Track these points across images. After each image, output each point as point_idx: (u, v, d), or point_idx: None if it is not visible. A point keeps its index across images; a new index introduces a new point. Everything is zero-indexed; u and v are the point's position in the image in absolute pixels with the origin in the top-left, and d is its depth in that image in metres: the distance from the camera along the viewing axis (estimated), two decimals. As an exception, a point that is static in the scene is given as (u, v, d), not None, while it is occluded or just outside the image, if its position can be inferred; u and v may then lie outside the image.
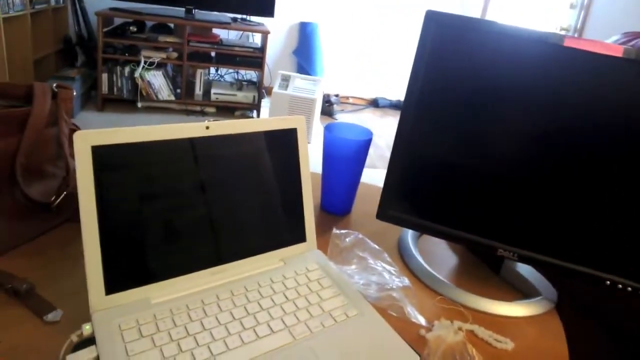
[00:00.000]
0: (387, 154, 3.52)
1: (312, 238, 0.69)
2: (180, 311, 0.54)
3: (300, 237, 0.68)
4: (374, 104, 4.81)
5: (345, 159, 0.85)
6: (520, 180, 0.66)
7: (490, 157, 0.67)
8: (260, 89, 3.77)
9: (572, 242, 0.66)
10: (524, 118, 0.64)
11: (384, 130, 4.07)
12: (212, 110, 3.85)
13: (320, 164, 0.88)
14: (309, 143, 0.76)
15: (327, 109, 4.24)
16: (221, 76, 4.12)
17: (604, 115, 0.61)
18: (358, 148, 0.84)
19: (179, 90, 3.68)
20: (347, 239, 0.74)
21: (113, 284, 0.54)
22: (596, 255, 0.65)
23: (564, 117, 0.63)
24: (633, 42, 0.98)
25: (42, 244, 0.69)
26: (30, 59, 3.25)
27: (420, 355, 0.54)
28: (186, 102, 3.72)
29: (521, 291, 0.73)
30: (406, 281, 0.68)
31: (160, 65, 3.55)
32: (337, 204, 0.89)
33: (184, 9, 3.60)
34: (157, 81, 3.53)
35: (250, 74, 4.10)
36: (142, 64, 3.47)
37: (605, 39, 1.13)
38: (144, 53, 3.50)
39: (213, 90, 3.73)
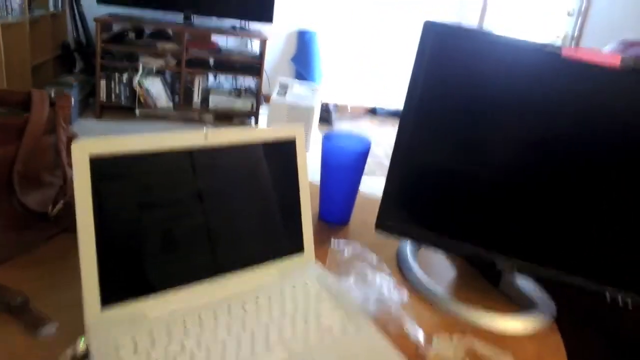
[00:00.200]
0: (385, 162, 3.53)
1: (311, 249, 0.68)
2: (177, 326, 0.54)
3: (299, 248, 0.68)
4: (372, 112, 4.82)
5: (343, 168, 0.84)
6: (519, 189, 0.66)
7: (488, 167, 0.67)
8: (259, 96, 3.78)
9: (572, 255, 0.66)
10: (523, 127, 0.64)
11: (382, 139, 4.07)
12: (210, 117, 3.85)
13: (318, 172, 0.87)
14: (307, 151, 0.76)
15: (326, 116, 4.24)
16: (219, 83, 4.12)
17: (602, 124, 0.61)
18: (356, 157, 0.83)
19: (177, 98, 3.68)
20: (346, 251, 0.74)
21: (109, 297, 0.53)
22: (596, 268, 0.65)
23: (563, 126, 0.63)
24: (629, 51, 0.99)
25: (39, 254, 0.68)
26: (29, 65, 3.25)
27: (419, 371, 0.53)
28: (184, 109, 3.72)
29: (520, 304, 0.73)
30: (405, 296, 0.67)
31: (158, 72, 3.56)
32: (335, 214, 0.89)
33: (182, 16, 3.61)
34: (156, 88, 3.53)
35: (248, 81, 4.11)
36: (140, 71, 3.47)
37: (603, 46, 1.14)
38: (143, 60, 3.51)
39: (211, 98, 3.73)
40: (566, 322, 0.70)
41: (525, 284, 0.75)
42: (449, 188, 0.69)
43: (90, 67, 3.65)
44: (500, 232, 0.68)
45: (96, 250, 0.52)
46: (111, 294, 0.53)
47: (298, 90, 3.51)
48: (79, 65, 3.90)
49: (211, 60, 3.74)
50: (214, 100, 3.73)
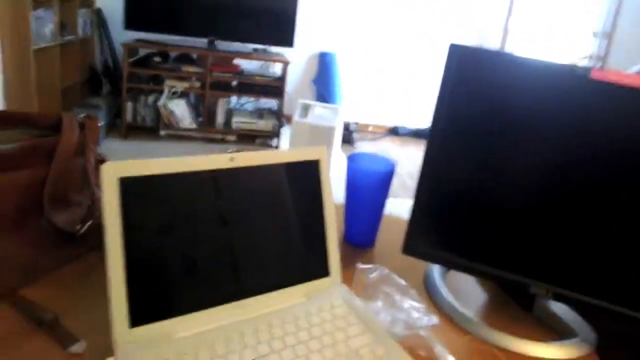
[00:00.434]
0: (409, 182, 3.50)
1: (337, 272, 0.67)
2: (204, 346, 0.53)
3: (325, 271, 0.67)
4: (394, 132, 4.81)
5: (368, 189, 0.84)
6: (553, 213, 0.64)
7: (519, 190, 0.65)
8: (280, 117, 3.82)
9: (612, 281, 0.63)
10: (553, 150, 0.63)
11: (404, 159, 4.06)
12: (232, 138, 3.90)
13: (341, 193, 0.87)
14: (329, 173, 0.75)
15: (347, 137, 4.25)
16: (242, 105, 4.18)
17: (634, 146, 0.59)
18: (382, 179, 0.83)
19: (200, 119, 3.74)
20: (372, 275, 0.73)
21: (137, 317, 0.53)
22: (638, 295, 0.62)
23: (595, 148, 0.61)
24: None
25: (66, 273, 0.69)
26: (59, 88, 3.36)
27: (452, 399, 0.51)
28: (208, 130, 3.77)
29: (556, 331, 0.70)
30: (434, 319, 0.65)
31: (183, 95, 3.63)
32: (361, 236, 0.88)
33: (206, 40, 3.69)
34: (180, 110, 3.60)
35: (270, 103, 4.16)
36: (165, 93, 3.54)
37: (630, 67, 1.12)
38: (168, 82, 3.59)
39: (234, 119, 3.78)
40: (606, 351, 0.67)
41: (561, 310, 0.72)
42: (479, 211, 0.68)
43: (117, 90, 3.75)
44: (535, 259, 0.66)
45: (124, 271, 0.52)
46: (139, 314, 0.53)
47: (319, 111, 3.53)
48: (106, 88, 4.01)
49: (234, 83, 3.81)
50: (237, 121, 3.78)
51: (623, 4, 3.76)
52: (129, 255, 0.52)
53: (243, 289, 0.60)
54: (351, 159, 0.86)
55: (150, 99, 3.58)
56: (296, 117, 3.43)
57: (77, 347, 0.55)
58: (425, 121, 4.74)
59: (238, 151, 0.62)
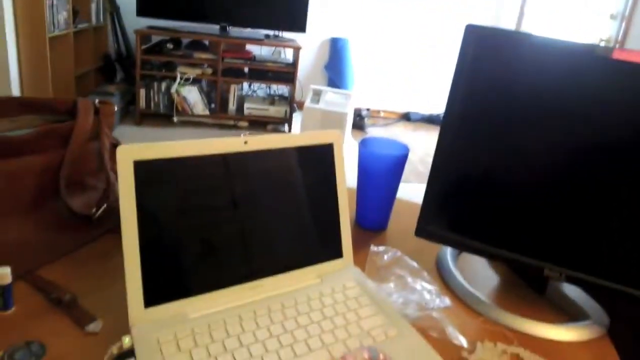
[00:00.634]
0: (420, 168, 3.48)
1: (349, 254, 0.68)
2: (218, 326, 0.54)
3: (337, 253, 0.67)
4: (406, 117, 4.78)
5: (381, 174, 0.83)
6: (569, 195, 0.64)
7: (534, 172, 0.65)
8: (292, 103, 3.81)
9: (625, 263, 0.63)
10: (571, 132, 0.62)
11: (416, 144, 4.03)
12: (245, 124, 3.91)
13: (352, 178, 0.87)
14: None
15: (359, 123, 4.24)
16: (254, 91, 4.18)
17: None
18: (394, 163, 0.82)
19: (213, 105, 3.75)
20: (385, 256, 0.73)
21: (152, 297, 0.54)
22: (650, 277, 0.62)
23: (614, 130, 0.60)
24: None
25: (83, 255, 0.70)
26: (72, 75, 3.39)
27: (463, 379, 0.52)
28: (220, 116, 3.79)
29: (568, 314, 0.70)
30: (447, 301, 0.66)
31: (195, 81, 3.64)
32: (373, 220, 0.88)
33: (218, 27, 3.68)
34: (193, 96, 3.62)
35: (282, 89, 4.15)
36: (178, 79, 3.56)
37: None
38: (180, 69, 3.60)
39: (246, 105, 3.78)
40: (623, 341, 0.66)
41: (574, 292, 0.72)
42: (492, 194, 0.68)
43: (131, 77, 3.77)
44: (548, 241, 0.66)
45: (140, 252, 0.53)
46: (154, 294, 0.54)
47: (331, 97, 3.52)
48: (119, 75, 4.03)
49: (246, 69, 3.80)
50: (249, 108, 3.78)
51: (643, -15, 3.66)
52: (143, 237, 0.53)
53: (256, 270, 0.60)
54: (363, 143, 0.86)
55: (164, 85, 3.59)
56: (308, 103, 3.42)
57: (94, 326, 0.56)
58: (437, 107, 4.69)
59: (251, 135, 0.62)
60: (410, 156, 3.71)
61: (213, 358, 0.50)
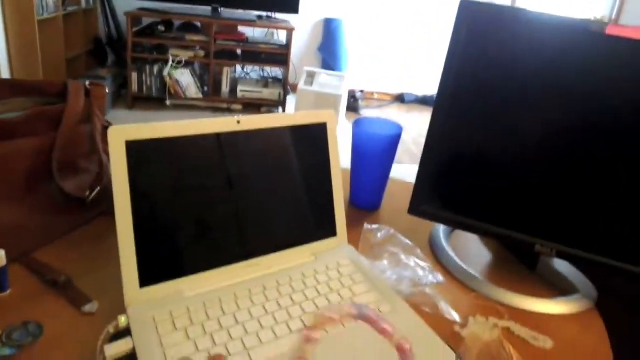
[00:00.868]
0: (413, 148, 3.49)
1: (343, 232, 0.68)
2: (213, 304, 0.55)
3: (331, 232, 0.68)
4: (400, 99, 4.76)
5: (374, 153, 0.84)
6: (559, 173, 0.64)
7: (526, 150, 0.65)
8: (286, 85, 3.78)
9: (614, 238, 0.63)
10: (563, 108, 0.62)
11: (410, 126, 4.03)
12: (238, 107, 3.88)
13: (346, 160, 0.87)
14: None
15: (353, 104, 4.22)
16: (247, 74, 4.15)
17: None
18: (388, 142, 0.83)
19: (206, 88, 3.72)
20: (379, 234, 0.73)
21: (147, 277, 0.54)
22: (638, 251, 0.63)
23: (607, 108, 0.60)
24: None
25: (77, 237, 0.70)
26: (63, 59, 3.34)
27: (456, 353, 0.53)
28: (213, 99, 3.76)
29: (559, 289, 0.71)
30: (440, 277, 0.67)
31: (188, 64, 3.60)
32: (366, 199, 0.88)
33: (210, 8, 3.63)
34: (185, 79, 3.58)
35: (275, 71, 4.12)
36: (170, 62, 3.52)
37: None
38: (172, 52, 3.56)
39: (239, 88, 3.75)
40: (611, 314, 0.68)
41: (564, 268, 0.73)
42: (485, 172, 0.68)
43: (122, 60, 3.73)
44: (539, 218, 0.67)
45: (134, 232, 0.53)
46: (149, 274, 0.54)
47: (325, 79, 3.49)
48: (110, 58, 3.98)
49: (239, 51, 3.76)
50: (242, 90, 3.76)
51: (638, -38, 3.63)
52: (137, 217, 0.53)
53: (251, 249, 0.61)
54: (357, 123, 0.85)
55: (156, 68, 3.55)
56: (301, 85, 3.40)
57: (90, 307, 0.57)
58: (431, 88, 4.67)
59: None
60: (403, 137, 3.70)
61: (209, 335, 0.51)
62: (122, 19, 3.67)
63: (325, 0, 4.34)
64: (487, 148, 0.67)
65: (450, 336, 0.58)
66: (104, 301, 0.58)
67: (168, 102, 3.65)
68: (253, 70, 4.16)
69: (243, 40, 3.71)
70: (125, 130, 0.53)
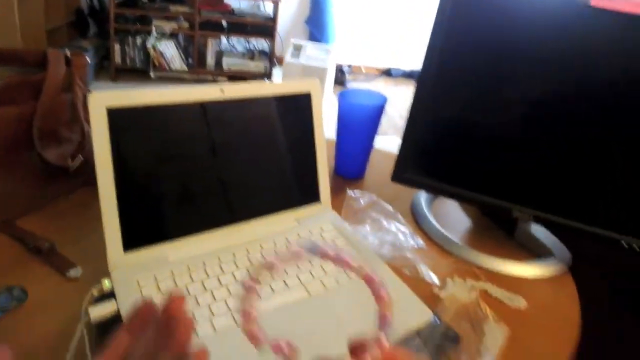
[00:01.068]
0: (399, 122, 3.49)
1: (327, 199, 0.69)
2: (197, 268, 0.56)
3: (315, 198, 0.68)
4: (387, 73, 4.74)
5: (359, 123, 0.84)
6: (536, 141, 0.65)
7: (506, 119, 0.66)
8: (272, 58, 3.74)
9: (588, 204, 0.65)
10: (543, 79, 0.63)
11: (396, 99, 4.02)
12: (224, 80, 3.83)
13: (333, 132, 0.87)
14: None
15: (340, 78, 4.19)
16: (233, 46, 4.08)
17: (628, 76, 0.59)
18: (372, 113, 0.83)
19: (191, 60, 3.66)
20: (362, 200, 0.75)
21: (131, 242, 0.55)
22: (612, 217, 0.65)
23: (587, 78, 0.61)
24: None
25: (61, 206, 0.70)
26: (43, 30, 3.25)
27: (434, 312, 0.54)
28: (198, 71, 3.71)
29: (535, 253, 0.73)
30: (420, 241, 0.68)
31: (172, 35, 3.53)
32: (350, 169, 0.89)
33: (194, -23, 3.54)
34: (169, 51, 3.52)
35: (261, 44, 4.06)
36: (153, 34, 3.45)
37: None
38: (156, 23, 3.48)
39: (225, 60, 3.70)
40: (584, 278, 0.70)
41: (541, 233, 0.75)
42: (466, 140, 0.69)
43: (104, 31, 3.64)
44: (517, 185, 0.68)
45: (116, 197, 0.53)
46: (133, 238, 0.55)
47: (312, 52, 3.46)
48: (92, 29, 3.88)
49: (224, 23, 3.69)
50: (228, 63, 3.70)
51: None
52: (119, 182, 0.53)
53: (235, 214, 0.61)
54: (342, 94, 0.85)
55: (139, 40, 3.48)
56: (288, 58, 3.37)
57: (74, 272, 0.57)
58: (418, 63, 4.64)
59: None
60: (389, 110, 3.70)
61: (193, 297, 0.52)
62: (104, -11, 3.57)
63: (312, -30, 4.25)
64: (467, 118, 0.68)
65: (429, 297, 0.60)
66: (89, 267, 0.58)
67: (152, 75, 3.59)
68: (239, 43, 4.09)
69: (228, 11, 3.64)
70: (106, 97, 0.53)
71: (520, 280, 0.67)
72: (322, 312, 0.52)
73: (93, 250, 0.60)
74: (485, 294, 0.63)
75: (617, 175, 0.62)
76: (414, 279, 0.62)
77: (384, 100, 0.85)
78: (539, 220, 0.68)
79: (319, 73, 3.33)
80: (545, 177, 0.66)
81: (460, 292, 0.60)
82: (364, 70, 4.73)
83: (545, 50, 0.62)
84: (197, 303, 0.51)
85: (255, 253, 0.59)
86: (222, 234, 0.60)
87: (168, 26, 3.48)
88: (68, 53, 0.77)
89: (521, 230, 0.76)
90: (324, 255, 0.27)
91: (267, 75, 3.77)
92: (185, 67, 3.61)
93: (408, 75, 4.68)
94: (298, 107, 0.67)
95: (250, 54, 3.84)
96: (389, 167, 0.73)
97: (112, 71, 3.53)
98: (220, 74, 3.76)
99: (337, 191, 0.82)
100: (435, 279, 0.63)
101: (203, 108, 0.59)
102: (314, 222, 0.66)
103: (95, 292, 0.51)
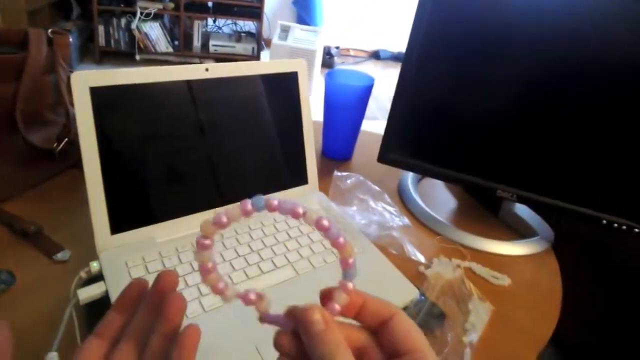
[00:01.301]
0: (387, 105, 3.49)
1: (314, 180, 0.70)
2: (185, 249, 0.56)
3: (302, 180, 0.69)
4: (375, 56, 4.71)
5: (347, 104, 0.84)
6: (520, 121, 0.66)
7: (491, 100, 0.67)
8: (259, 40, 3.70)
9: (570, 183, 0.66)
10: (524, 61, 0.63)
11: (385, 82, 4.01)
12: (211, 62, 3.79)
13: (321, 115, 0.87)
14: (309, 94, 0.74)
15: (328, 61, 4.16)
16: (219, 28, 4.03)
17: (606, 55, 0.60)
18: (359, 93, 0.83)
19: (176, 42, 3.61)
20: (349, 181, 0.75)
21: (118, 224, 0.55)
22: (593, 195, 0.66)
23: (566, 59, 0.61)
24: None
25: (47, 189, 0.69)
26: (24, 11, 3.17)
27: (419, 290, 0.55)
28: (184, 54, 3.66)
29: (519, 232, 0.75)
30: (406, 220, 0.69)
31: (157, 17, 3.47)
32: (338, 150, 0.89)
33: (179, -43, 3.47)
34: (155, 33, 3.46)
35: (248, 25, 4.01)
36: (138, 15, 3.39)
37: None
38: (140, 4, 3.41)
39: (211, 42, 3.65)
40: (566, 255, 0.71)
41: (525, 212, 0.76)
42: (450, 121, 0.69)
43: (87, 13, 3.56)
44: (501, 165, 0.69)
45: (102, 179, 0.53)
46: (120, 220, 0.55)
47: (299, 34, 3.42)
48: (75, 10, 3.79)
49: (210, 4, 3.63)
50: (214, 45, 3.66)
51: None
52: (105, 164, 0.53)
53: (223, 195, 0.61)
54: (329, 75, 0.85)
55: (123, 21, 3.42)
56: (275, 40, 3.33)
57: (62, 255, 0.57)
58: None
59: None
60: (378, 93, 3.69)
61: (182, 278, 0.52)
62: (86, -32, 3.48)
63: (299, -50, 4.18)
64: (451, 99, 0.68)
65: (415, 276, 0.61)
66: (77, 250, 0.58)
67: (138, 57, 3.54)
68: (225, 24, 4.04)
69: (214, -9, 3.58)
70: (89, 76, 0.52)
71: (505, 259, 0.68)
72: (310, 291, 0.53)
73: (81, 232, 0.60)
74: (470, 272, 0.64)
75: (598, 155, 0.64)
76: (401, 258, 0.63)
77: (371, 81, 0.85)
78: (522, 200, 0.69)
79: (307, 55, 3.30)
80: (528, 157, 0.67)
81: (445, 270, 0.61)
82: (352, 53, 4.70)
83: (526, 32, 0.62)
84: (186, 283, 0.51)
85: (243, 234, 0.59)
86: (210, 215, 0.60)
87: (153, 7, 3.42)
88: (50, 32, 0.76)
89: (505, 209, 0.77)
90: (269, 208, 0.26)
91: (255, 57, 3.74)
92: (171, 49, 3.56)
93: (396, 57, 4.66)
94: (284, 87, 0.66)
95: (237, 36, 3.80)
96: (377, 149, 0.74)
97: (97, 54, 3.47)
98: (207, 56, 3.71)
99: (325, 173, 0.82)
100: (421, 257, 0.64)
101: (188, 87, 0.58)
102: (302, 202, 0.66)
103: (83, 274, 0.51)
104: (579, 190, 0.66)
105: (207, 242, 0.28)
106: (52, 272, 0.55)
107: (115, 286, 0.49)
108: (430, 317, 0.53)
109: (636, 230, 0.64)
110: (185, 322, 0.29)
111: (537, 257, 0.70)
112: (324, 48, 4.03)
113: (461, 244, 0.69)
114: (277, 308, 0.29)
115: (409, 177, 0.83)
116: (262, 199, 0.26)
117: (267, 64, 0.65)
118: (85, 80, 0.52)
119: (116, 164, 0.54)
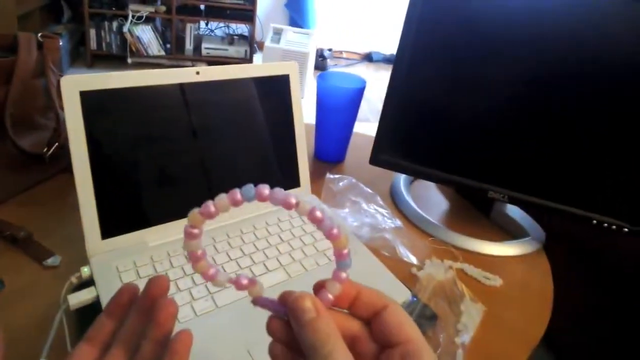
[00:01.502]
0: (380, 107, 3.50)
1: (306, 182, 0.70)
2: (177, 253, 0.56)
3: (295, 182, 0.69)
4: (368, 58, 4.73)
5: (338, 106, 0.84)
6: (510, 123, 0.66)
7: (482, 101, 0.67)
8: (252, 43, 3.70)
9: (560, 184, 0.67)
10: (516, 63, 0.63)
11: (377, 84, 4.02)
12: (203, 65, 3.78)
13: (314, 117, 0.87)
14: (302, 98, 0.74)
15: (321, 63, 4.17)
16: (212, 31, 4.02)
17: (597, 57, 0.60)
18: (351, 95, 0.83)
19: (168, 46, 3.60)
20: (341, 183, 0.75)
21: (109, 229, 0.54)
22: (583, 195, 0.66)
23: (558, 60, 0.62)
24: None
25: (37, 194, 0.69)
26: (14, 15, 3.15)
27: (411, 291, 0.55)
28: (177, 57, 3.65)
29: (510, 233, 0.75)
30: (398, 222, 0.69)
31: (149, 20, 3.46)
32: (330, 152, 0.89)
33: (170, -40, 3.47)
34: (147, 36, 3.45)
35: (241, 28, 4.01)
36: (130, 18, 3.38)
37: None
38: (132, 7, 3.40)
39: (204, 45, 3.65)
40: (557, 255, 0.72)
41: (516, 213, 0.77)
42: (441, 123, 0.70)
43: (79, 16, 3.55)
44: (492, 166, 0.69)
45: (93, 184, 0.53)
46: (111, 225, 0.54)
47: (292, 37, 3.43)
48: (66, 14, 3.78)
49: (202, 7, 3.63)
50: (207, 48, 3.65)
51: None
52: (96, 168, 0.53)
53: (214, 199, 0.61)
54: (321, 77, 0.85)
55: (115, 25, 3.40)
56: (268, 43, 3.33)
57: (52, 260, 0.57)
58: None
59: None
60: (370, 95, 3.70)
61: (173, 283, 0.52)
62: (77, -28, 3.47)
63: (291, -47, 4.19)
64: (444, 99, 0.68)
65: (408, 277, 0.61)
66: (67, 255, 0.58)
67: (129, 60, 3.53)
68: (218, 27, 4.03)
69: (206, -6, 3.58)
70: (79, 80, 0.52)
71: (496, 259, 0.68)
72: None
73: (72, 237, 0.59)
74: (462, 273, 0.64)
75: (588, 156, 0.64)
76: (393, 260, 0.63)
77: (363, 83, 0.85)
78: (513, 201, 0.70)
79: (300, 57, 3.31)
80: (519, 158, 0.68)
81: (437, 271, 0.61)
82: (344, 55, 4.71)
83: (518, 33, 0.62)
84: (178, 288, 0.51)
85: (235, 238, 0.59)
86: (202, 219, 0.60)
87: (145, 10, 3.41)
88: (39, 36, 0.75)
89: (497, 211, 0.77)
90: (260, 198, 0.26)
91: (248, 60, 3.73)
92: (163, 53, 3.55)
93: (389, 60, 4.68)
94: (276, 90, 0.67)
95: (230, 39, 3.79)
96: (369, 151, 0.74)
97: (88, 57, 3.46)
98: (199, 59, 3.70)
99: (317, 175, 0.82)
100: (413, 259, 0.64)
101: (180, 91, 0.58)
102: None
103: (74, 279, 0.51)
104: (569, 191, 0.67)
105: (196, 231, 0.27)
106: (42, 278, 0.55)
107: (106, 291, 0.49)
108: (422, 318, 0.53)
109: (625, 230, 0.65)
110: (177, 327, 0.29)
111: (528, 257, 0.70)
112: (317, 50, 4.04)
113: (453, 245, 0.69)
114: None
115: (401, 179, 0.83)
116: (252, 188, 0.25)
117: (259, 66, 0.65)
118: (75, 84, 0.51)
119: (107, 168, 0.54)
